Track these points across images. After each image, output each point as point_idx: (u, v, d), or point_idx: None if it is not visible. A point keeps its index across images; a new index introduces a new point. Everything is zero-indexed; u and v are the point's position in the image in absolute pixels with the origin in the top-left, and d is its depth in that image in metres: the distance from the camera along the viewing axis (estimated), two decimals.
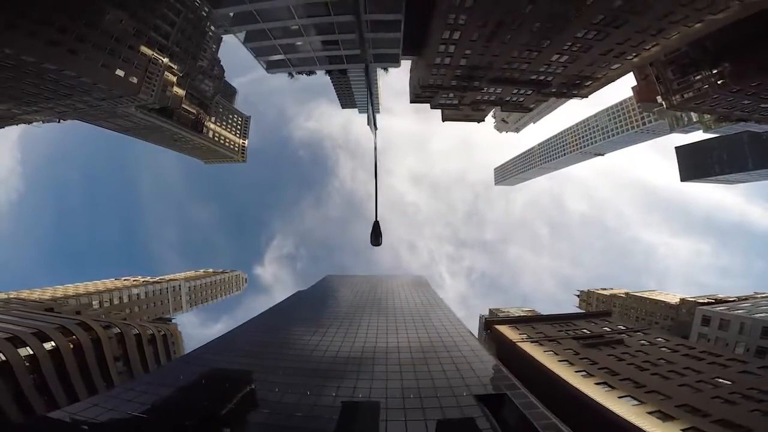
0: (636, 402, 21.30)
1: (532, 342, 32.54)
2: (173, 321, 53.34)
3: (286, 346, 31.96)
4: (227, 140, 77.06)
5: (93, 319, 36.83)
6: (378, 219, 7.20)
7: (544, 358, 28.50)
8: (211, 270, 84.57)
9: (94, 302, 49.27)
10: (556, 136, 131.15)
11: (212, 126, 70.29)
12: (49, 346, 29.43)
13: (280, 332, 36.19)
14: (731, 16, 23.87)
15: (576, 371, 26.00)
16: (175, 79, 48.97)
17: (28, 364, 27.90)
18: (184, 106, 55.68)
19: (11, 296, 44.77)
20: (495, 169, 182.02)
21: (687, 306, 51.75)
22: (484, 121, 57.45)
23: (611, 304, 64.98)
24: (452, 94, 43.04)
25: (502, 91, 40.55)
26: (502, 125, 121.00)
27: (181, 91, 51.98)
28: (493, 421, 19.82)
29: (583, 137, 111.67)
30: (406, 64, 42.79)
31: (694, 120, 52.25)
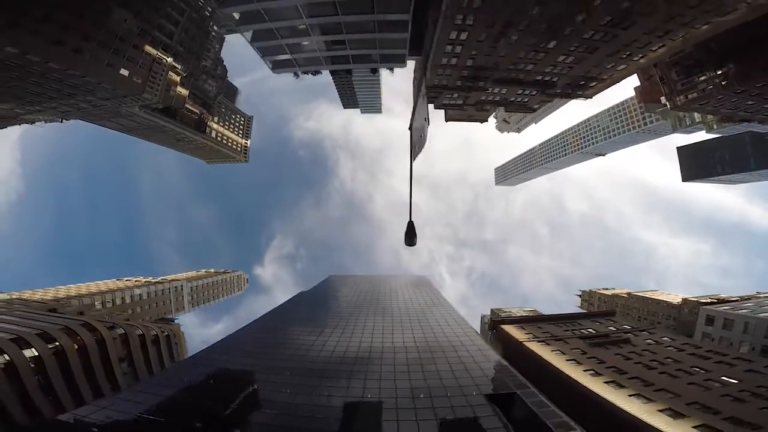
0: (646, 400, 21.38)
1: (539, 341, 32.62)
2: (176, 321, 53.14)
3: (293, 346, 31.89)
4: (230, 140, 76.89)
5: (97, 319, 36.61)
6: (412, 219, 7.28)
7: (552, 358, 28.57)
8: (212, 270, 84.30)
9: (96, 303, 48.98)
10: (557, 136, 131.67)
11: (215, 126, 70.12)
12: (53, 347, 29.24)
13: (285, 333, 36.11)
14: (738, 18, 24.07)
15: (584, 370, 26.09)
16: (178, 78, 48.87)
17: (33, 365, 27.70)
18: (187, 105, 55.52)
19: (13, 297, 44.44)
20: (496, 169, 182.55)
21: (689, 306, 52.02)
22: (487, 121, 57.59)
23: (613, 304, 65.18)
24: (457, 94, 43.11)
25: (507, 91, 40.68)
26: (503, 125, 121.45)
27: (184, 91, 51.87)
28: (505, 420, 19.86)
29: (584, 137, 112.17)
30: (408, 64, 42.87)
31: (697, 120, 52.60)
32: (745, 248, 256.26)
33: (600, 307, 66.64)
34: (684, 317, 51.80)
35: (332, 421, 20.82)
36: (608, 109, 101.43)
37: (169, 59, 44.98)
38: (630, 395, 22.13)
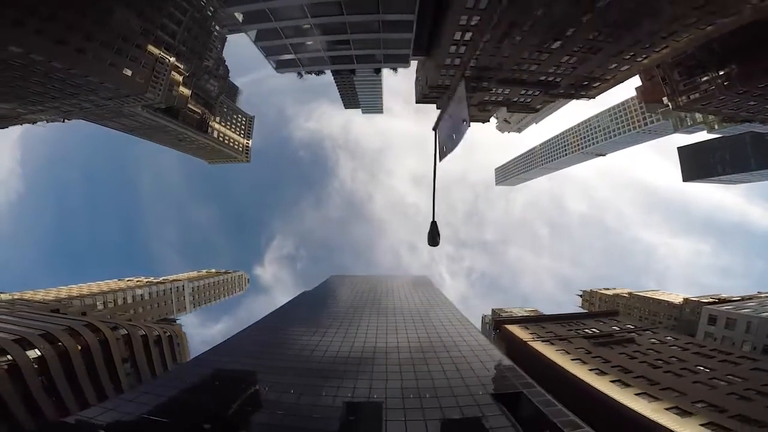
0: (652, 399, 21.46)
1: (543, 341, 32.69)
2: (177, 322, 52.98)
3: (297, 347, 31.84)
4: (231, 140, 76.76)
5: (100, 320, 36.48)
6: (435, 220, 7.23)
7: (557, 357, 28.64)
8: (213, 270, 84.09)
9: (98, 303, 48.78)
10: (557, 136, 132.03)
11: (217, 126, 70.00)
12: (57, 347, 29.11)
13: (289, 333, 36.04)
14: (742, 19, 24.23)
15: (590, 369, 26.16)
16: (181, 78, 48.77)
17: (36, 366, 27.57)
18: (189, 105, 55.43)
19: (15, 297, 44.21)
20: (496, 169, 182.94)
21: (690, 306, 52.24)
22: (489, 121, 57.66)
23: (614, 304, 65.34)
24: None
25: (510, 91, 40.78)
26: (504, 125, 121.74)
27: (186, 91, 51.77)
28: (512, 419, 19.89)
29: (584, 137, 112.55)
30: (411, 64, 42.90)
31: (699, 121, 52.90)
32: (744, 248, 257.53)
33: (601, 307, 66.78)
34: (685, 317, 52.00)
35: (339, 422, 20.80)
36: (609, 109, 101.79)
37: (172, 59, 44.88)
38: (636, 394, 22.21)
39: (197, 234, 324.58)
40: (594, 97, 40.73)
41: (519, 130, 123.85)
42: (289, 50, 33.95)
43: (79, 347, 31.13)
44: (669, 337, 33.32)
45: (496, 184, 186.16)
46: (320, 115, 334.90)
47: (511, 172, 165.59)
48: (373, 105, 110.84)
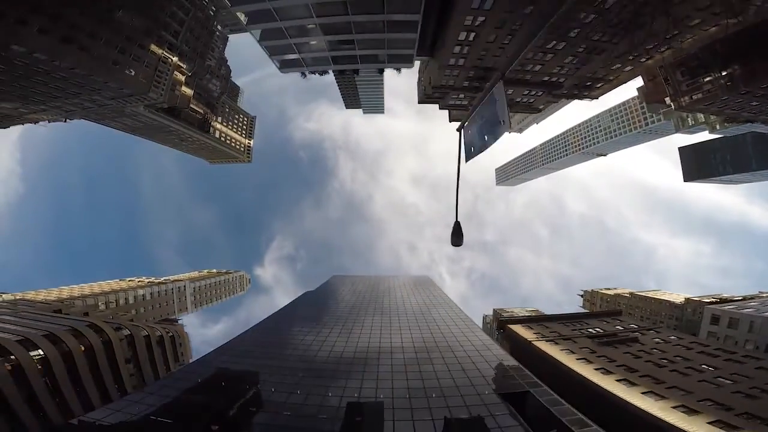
0: (659, 397, 21.53)
1: (547, 341, 32.75)
2: (179, 322, 52.83)
3: (302, 347, 31.80)
4: (233, 140, 76.58)
5: (103, 320, 36.35)
6: (458, 220, 7.21)
7: (562, 357, 28.70)
8: (215, 270, 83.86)
9: (100, 303, 48.59)
10: (558, 136, 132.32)
11: (219, 126, 69.83)
12: (60, 348, 29.00)
13: (294, 333, 35.97)
14: (746, 20, 24.37)
15: (595, 369, 26.24)
16: (183, 78, 48.69)
17: (40, 366, 27.46)
18: (191, 105, 55.30)
19: (17, 297, 43.99)
20: (496, 169, 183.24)
21: (692, 305, 52.44)
22: None
23: (615, 304, 65.52)
24: (463, 95, 43.26)
25: (513, 92, 40.87)
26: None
27: (189, 91, 51.67)
28: (520, 419, 19.93)
29: (585, 137, 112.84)
30: (414, 65, 42.94)
31: (700, 121, 53.13)
32: (744, 248, 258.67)
33: (602, 307, 66.92)
34: (687, 317, 52.20)
35: (346, 422, 20.77)
36: (609, 109, 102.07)
37: (175, 58, 44.80)
38: (643, 393, 22.28)
39: (197, 234, 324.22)
40: (597, 98, 40.89)
41: (520, 131, 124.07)
42: (294, 50, 33.91)
43: (83, 348, 31.02)
44: (673, 337, 33.44)
45: (497, 184, 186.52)
46: (320, 115, 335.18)
47: (511, 172, 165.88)
48: (375, 105, 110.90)
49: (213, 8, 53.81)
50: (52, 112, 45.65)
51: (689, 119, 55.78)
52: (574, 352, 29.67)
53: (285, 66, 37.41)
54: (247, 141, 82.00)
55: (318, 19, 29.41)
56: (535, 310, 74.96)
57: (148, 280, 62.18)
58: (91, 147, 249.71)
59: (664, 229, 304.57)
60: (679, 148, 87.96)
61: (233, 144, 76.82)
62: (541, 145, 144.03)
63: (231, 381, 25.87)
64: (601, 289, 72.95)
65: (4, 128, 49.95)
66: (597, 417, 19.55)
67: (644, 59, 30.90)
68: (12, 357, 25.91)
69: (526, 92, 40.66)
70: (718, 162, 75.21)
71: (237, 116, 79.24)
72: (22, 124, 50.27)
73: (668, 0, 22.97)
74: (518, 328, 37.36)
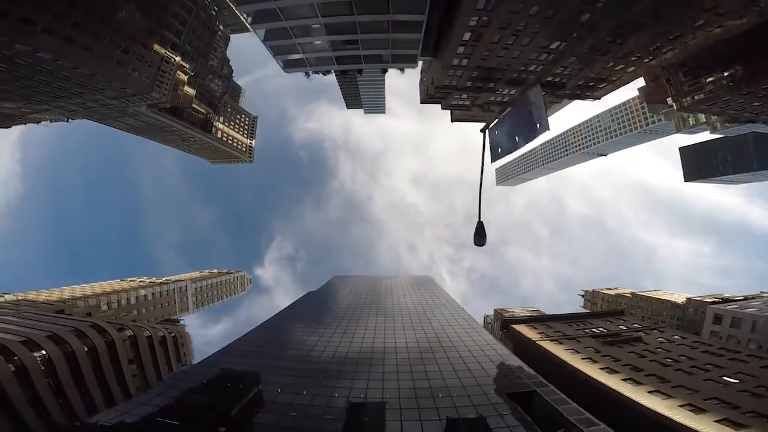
0: (665, 396, 21.59)
1: (552, 341, 32.81)
2: (181, 322, 52.65)
3: (308, 347, 31.72)
4: (235, 140, 76.45)
5: (106, 321, 36.20)
6: (481, 220, 7.26)
7: (567, 356, 28.75)
8: (216, 271, 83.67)
9: (102, 304, 48.39)
10: (558, 136, 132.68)
11: (220, 126, 69.72)
12: (64, 349, 28.87)
13: (300, 334, 35.90)
14: (750, 21, 24.52)
15: (601, 368, 26.29)
16: (186, 78, 48.62)
17: (43, 367, 27.31)
18: (193, 105, 55.22)
19: (19, 298, 43.78)
20: (497, 169, 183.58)
21: (693, 305, 52.60)
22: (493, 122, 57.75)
23: (617, 304, 65.64)
24: (466, 95, 43.36)
25: (516, 92, 40.98)
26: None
27: (191, 91, 51.60)
28: (527, 418, 19.94)
29: (586, 137, 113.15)
30: (417, 65, 43.00)
31: (702, 121, 53.38)
32: (744, 248, 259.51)
33: (603, 307, 67.03)
34: (689, 316, 52.35)
35: (353, 422, 20.77)
36: (610, 110, 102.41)
37: (177, 58, 44.74)
38: (649, 392, 22.34)
39: (197, 234, 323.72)
40: (599, 98, 41.04)
41: None
42: (298, 50, 33.92)
43: (86, 348, 30.88)
44: (676, 336, 33.54)
45: (497, 184, 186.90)
46: (320, 115, 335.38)
47: (511, 172, 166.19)
48: (376, 105, 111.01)
49: (215, 8, 53.82)
50: (54, 112, 45.50)
51: (690, 119, 56.02)
52: (578, 352, 29.71)
53: (289, 66, 37.41)
54: (248, 141, 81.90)
55: (323, 18, 29.43)
56: (536, 310, 75.04)
57: (149, 281, 61.99)
58: (91, 147, 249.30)
59: (664, 229, 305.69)
60: (680, 148, 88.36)
61: (235, 144, 76.71)
62: (541, 145, 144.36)
63: (236, 382, 25.78)
64: (602, 289, 73.08)
65: (6, 128, 49.76)
66: (603, 416, 19.57)
67: (647, 60, 31.04)
68: (16, 358, 25.76)
69: None
70: (719, 162, 75.58)
71: (239, 116, 79.16)
72: (24, 124, 50.09)
73: (673, 1, 23.12)
74: (522, 328, 37.40)
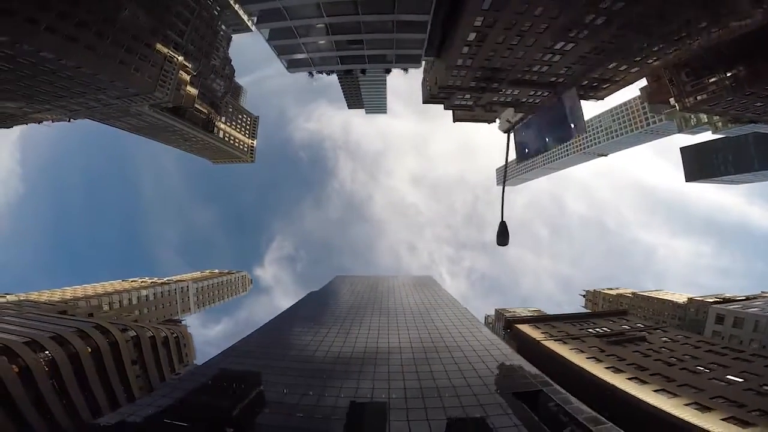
0: (671, 395, 21.66)
1: (556, 340, 32.88)
2: (183, 322, 52.50)
3: (313, 347, 31.69)
4: (237, 140, 76.28)
5: (108, 321, 36.08)
6: (504, 220, 7.31)
7: (571, 356, 28.81)
8: (217, 271, 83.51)
9: (103, 304, 48.22)
10: None
11: (222, 126, 69.59)
12: (67, 349, 28.77)
13: (304, 334, 35.83)
14: (754, 23, 24.63)
15: (606, 367, 26.36)
16: (188, 77, 48.52)
17: (47, 368, 27.22)
18: (196, 105, 55.09)
19: (21, 298, 43.59)
20: (497, 169, 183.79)
21: (695, 305, 52.79)
22: (494, 122, 58.06)
23: (618, 304, 65.79)
24: (469, 95, 43.40)
25: (519, 92, 41.07)
26: (505, 125, 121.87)
27: (194, 90, 51.50)
28: (534, 417, 19.97)
29: (587, 137, 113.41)
30: (421, 65, 42.99)
31: (703, 121, 53.61)
32: (743, 248, 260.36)
33: (604, 307, 67.18)
34: (690, 316, 52.53)
35: (361, 422, 20.75)
36: (611, 110, 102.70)
37: (180, 58, 44.63)
38: (655, 390, 22.41)
39: (196, 234, 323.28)
40: (603, 98, 41.15)
41: None
42: (302, 49, 33.88)
43: (89, 349, 30.79)
44: (680, 336, 33.65)
45: (497, 184, 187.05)
46: (320, 115, 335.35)
47: (512, 172, 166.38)
48: (378, 105, 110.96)
49: (218, 8, 53.72)
50: (56, 112, 45.33)
51: (692, 119, 56.24)
52: (583, 351, 29.78)
53: (293, 66, 37.36)
54: (250, 141, 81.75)
55: (328, 18, 29.41)
56: (537, 311, 75.18)
57: (151, 281, 61.80)
58: (91, 147, 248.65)
59: (664, 230, 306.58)
60: (681, 149, 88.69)
61: (237, 144, 76.56)
62: None
63: (242, 382, 25.74)
64: (603, 289, 73.24)
65: (8, 128, 49.54)
66: (608, 415, 19.61)
67: (651, 61, 31.14)
68: (19, 359, 25.65)
69: (532, 92, 40.85)
70: (720, 162, 75.93)
71: (240, 116, 79.02)
72: (26, 124, 49.88)
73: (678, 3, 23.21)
74: (526, 328, 37.46)
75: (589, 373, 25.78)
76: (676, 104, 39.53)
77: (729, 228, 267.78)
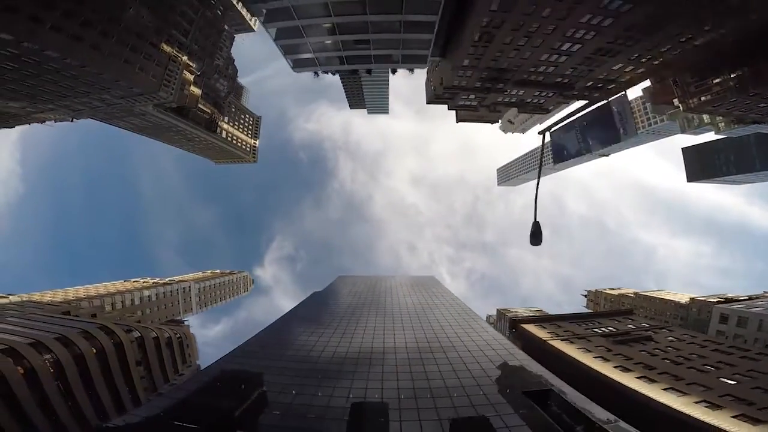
0: (680, 393, 21.75)
1: (562, 340, 32.93)
2: (185, 323, 52.27)
3: (320, 347, 31.57)
4: (239, 140, 76.03)
5: (113, 322, 35.87)
6: (537, 220, 7.34)
7: (579, 355, 28.87)
8: (218, 271, 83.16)
9: (106, 305, 47.91)
10: None
11: (225, 126, 69.36)
12: (72, 351, 28.58)
13: (309, 334, 35.70)
14: (759, 22, 24.82)
15: (614, 366, 26.43)
16: (192, 77, 48.37)
17: (52, 370, 27.02)
18: (199, 105, 54.91)
19: (24, 299, 43.23)
20: (498, 169, 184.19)
21: (697, 305, 53.03)
22: (498, 122, 58.18)
23: (619, 304, 66.02)
24: (474, 95, 43.49)
25: (524, 93, 41.19)
26: (507, 126, 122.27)
27: (197, 90, 51.35)
28: (546, 417, 19.99)
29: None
30: (427, 66, 43.00)
31: (706, 122, 53.96)
32: (744, 248, 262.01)
33: (606, 307, 67.36)
34: (692, 316, 52.77)
35: (371, 422, 20.70)
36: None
37: (184, 57, 44.51)
38: (664, 389, 22.49)
39: (196, 234, 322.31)
40: (607, 99, 41.23)
41: (523, 131, 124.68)
42: (309, 49, 33.85)
43: (94, 350, 30.62)
44: (686, 335, 33.80)
45: (498, 184, 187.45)
46: (320, 116, 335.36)
47: (513, 173, 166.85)
48: (379, 105, 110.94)
49: (221, 7, 53.62)
50: (59, 112, 45.04)
51: (695, 120, 56.61)
52: (590, 351, 29.85)
53: (298, 65, 37.28)
54: (252, 141, 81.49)
55: (336, 18, 29.38)
56: (538, 310, 75.33)
57: (153, 281, 61.47)
58: (91, 147, 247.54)
59: (664, 230, 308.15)
60: (683, 149, 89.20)
61: (239, 144, 76.29)
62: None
63: (249, 384, 25.58)
64: (605, 289, 73.47)
65: (10, 128, 49.18)
66: (618, 414, 19.65)
67: (656, 62, 31.31)
68: (24, 360, 25.45)
69: (537, 93, 40.97)
70: (722, 162, 76.42)
71: (243, 116, 78.76)
72: (29, 124, 49.52)
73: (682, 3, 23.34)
74: (531, 328, 37.52)
75: (598, 372, 25.85)
76: (680, 105, 39.78)
77: (729, 228, 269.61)
